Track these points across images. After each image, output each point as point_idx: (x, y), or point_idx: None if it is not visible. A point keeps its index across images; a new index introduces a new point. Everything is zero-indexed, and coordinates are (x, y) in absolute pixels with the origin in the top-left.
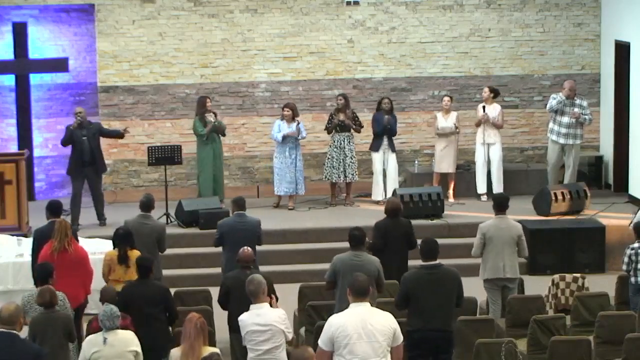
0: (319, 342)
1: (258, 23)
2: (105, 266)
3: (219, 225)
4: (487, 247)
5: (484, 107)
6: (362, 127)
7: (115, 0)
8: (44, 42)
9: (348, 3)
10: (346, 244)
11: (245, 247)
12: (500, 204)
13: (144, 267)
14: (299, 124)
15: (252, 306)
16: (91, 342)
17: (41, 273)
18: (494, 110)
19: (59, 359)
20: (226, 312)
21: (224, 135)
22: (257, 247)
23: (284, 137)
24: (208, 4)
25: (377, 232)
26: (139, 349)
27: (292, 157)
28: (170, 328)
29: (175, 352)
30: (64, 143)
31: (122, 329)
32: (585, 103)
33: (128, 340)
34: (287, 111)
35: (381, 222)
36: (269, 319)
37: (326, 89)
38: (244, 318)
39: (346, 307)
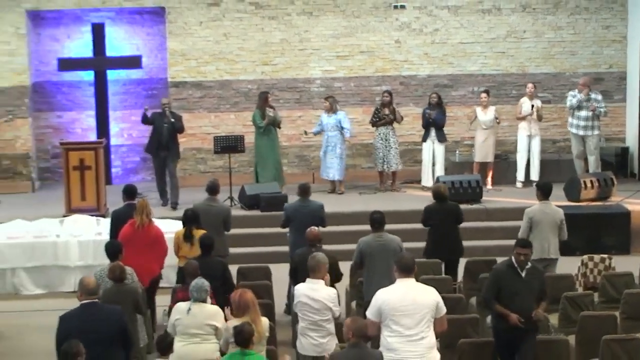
0: (368, 313)
1: (314, 25)
2: (174, 244)
3: (285, 208)
4: (534, 230)
5: (532, 106)
6: (402, 119)
7: (184, 4)
8: (120, 41)
9: (395, 7)
10: (395, 226)
11: (313, 227)
12: (545, 191)
13: (206, 245)
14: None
15: (308, 279)
16: (177, 310)
17: (111, 250)
18: (536, 104)
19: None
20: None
21: (279, 127)
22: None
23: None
24: (268, 7)
25: (426, 215)
26: (219, 324)
27: (329, 145)
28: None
29: (233, 324)
30: (143, 121)
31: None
32: (599, 97)
33: (210, 314)
34: (326, 103)
35: (430, 205)
36: (320, 294)
37: (375, 85)
38: (299, 288)
39: (373, 283)
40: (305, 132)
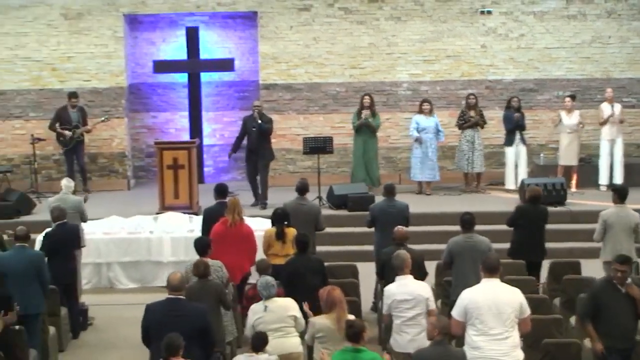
0: (453, 313)
1: (401, 29)
2: (264, 242)
3: (370, 208)
4: (608, 232)
5: (611, 107)
6: (486, 123)
7: (276, 9)
8: (213, 44)
9: (482, 12)
10: (479, 227)
11: (400, 227)
12: (621, 194)
13: (303, 243)
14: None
15: (397, 277)
16: (254, 311)
17: (199, 246)
18: (616, 108)
19: (212, 322)
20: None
21: (374, 131)
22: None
23: (417, 137)
24: (357, 12)
25: (516, 214)
26: (297, 313)
27: (431, 147)
28: None
29: (320, 320)
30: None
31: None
32: None
33: (287, 306)
34: (427, 105)
35: (522, 205)
36: (413, 289)
37: (461, 88)
38: (390, 288)
39: (462, 283)
40: (418, 140)
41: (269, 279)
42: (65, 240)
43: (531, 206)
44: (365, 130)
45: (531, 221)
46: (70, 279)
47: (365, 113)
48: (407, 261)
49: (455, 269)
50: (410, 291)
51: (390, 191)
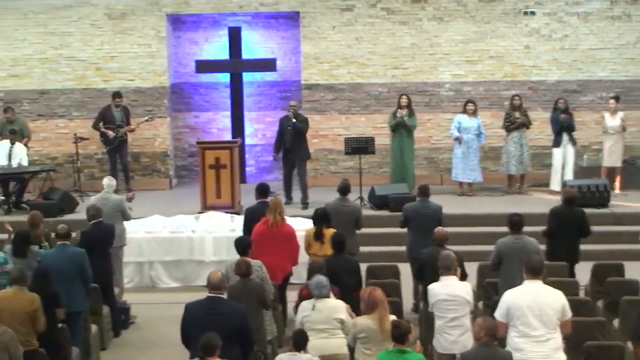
0: (496, 314)
1: (444, 30)
2: (305, 242)
3: (404, 208)
4: None
5: None
6: (531, 123)
7: (318, 9)
8: (255, 44)
9: (525, 13)
10: (524, 228)
11: (440, 227)
12: None
13: (339, 243)
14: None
15: (441, 278)
16: (303, 308)
17: (240, 246)
18: None
19: (253, 322)
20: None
21: (410, 131)
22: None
23: (457, 137)
24: (399, 12)
25: (551, 217)
26: (345, 317)
27: (472, 148)
28: None
29: (362, 320)
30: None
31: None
32: None
33: (335, 308)
34: (471, 106)
35: (557, 208)
36: (456, 290)
37: (504, 89)
38: (433, 287)
39: (510, 285)
40: (458, 140)
41: (322, 278)
42: (101, 239)
43: (566, 208)
44: (402, 130)
45: (565, 224)
46: (105, 278)
47: (402, 112)
48: (455, 262)
49: (503, 270)
50: (453, 292)
51: (424, 192)
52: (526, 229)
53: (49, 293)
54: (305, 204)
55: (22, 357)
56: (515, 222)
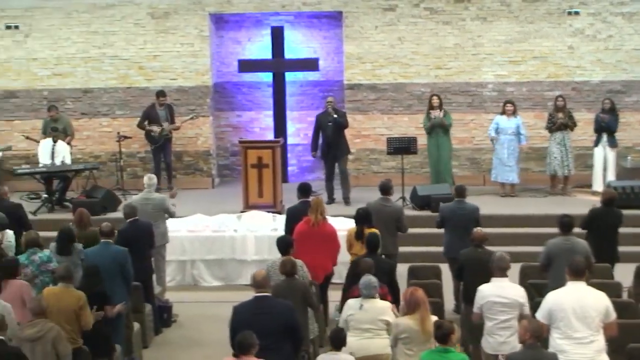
0: (538, 315)
1: (487, 30)
2: (347, 241)
3: (440, 209)
4: None
5: None
6: (576, 125)
7: (361, 8)
8: (298, 44)
9: (569, 13)
10: None
11: (479, 228)
12: None
13: (373, 243)
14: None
15: (493, 279)
16: (349, 306)
17: (282, 245)
18: None
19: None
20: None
21: (447, 130)
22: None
23: (493, 137)
24: (443, 12)
25: (587, 217)
26: (391, 319)
27: (509, 149)
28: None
29: (403, 320)
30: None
31: (380, 298)
32: None
33: (382, 309)
34: (510, 106)
35: (595, 209)
36: (510, 292)
37: (547, 90)
38: (484, 289)
39: (559, 286)
40: (493, 140)
41: (372, 279)
42: (137, 237)
43: (605, 209)
44: (438, 130)
45: (604, 224)
46: (144, 276)
47: (436, 113)
48: (509, 264)
49: (552, 271)
50: (506, 294)
51: (460, 193)
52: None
53: (100, 291)
54: (347, 200)
55: (71, 355)
56: (565, 223)
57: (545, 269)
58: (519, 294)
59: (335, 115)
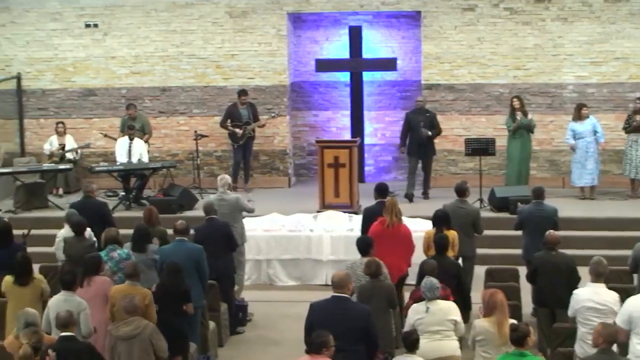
0: (617, 320)
1: (568, 31)
2: (424, 243)
3: (519, 211)
4: None
5: None
6: None
7: (440, 8)
8: (376, 44)
9: None
10: None
11: (552, 231)
12: None
13: (440, 245)
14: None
15: (589, 284)
16: (415, 310)
17: (361, 245)
18: None
19: (381, 322)
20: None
21: (532, 132)
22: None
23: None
24: (523, 12)
25: None
26: (458, 318)
27: (588, 152)
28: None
29: (481, 322)
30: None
31: (442, 299)
32: None
33: (448, 309)
34: (586, 110)
35: None
36: (605, 298)
37: (629, 91)
38: (580, 293)
39: None
40: (573, 148)
41: (434, 281)
42: (213, 235)
43: None
44: (522, 131)
45: None
46: (221, 274)
47: (521, 115)
48: (607, 269)
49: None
50: (602, 301)
51: (539, 195)
52: None
53: (182, 289)
54: (426, 194)
55: (167, 350)
56: None
57: (633, 272)
58: (614, 300)
59: (429, 133)
